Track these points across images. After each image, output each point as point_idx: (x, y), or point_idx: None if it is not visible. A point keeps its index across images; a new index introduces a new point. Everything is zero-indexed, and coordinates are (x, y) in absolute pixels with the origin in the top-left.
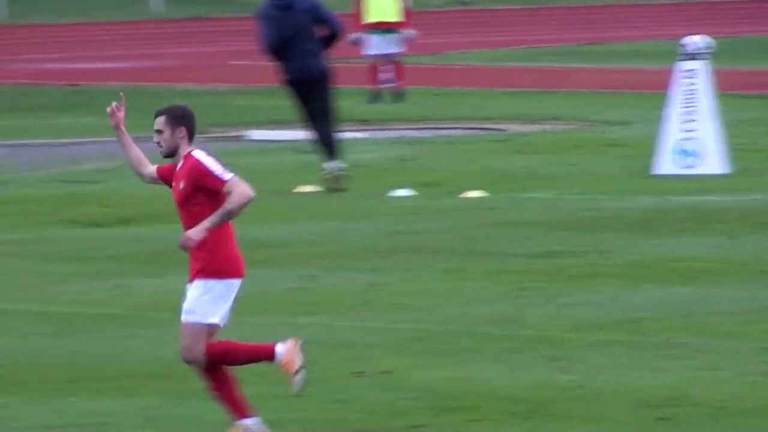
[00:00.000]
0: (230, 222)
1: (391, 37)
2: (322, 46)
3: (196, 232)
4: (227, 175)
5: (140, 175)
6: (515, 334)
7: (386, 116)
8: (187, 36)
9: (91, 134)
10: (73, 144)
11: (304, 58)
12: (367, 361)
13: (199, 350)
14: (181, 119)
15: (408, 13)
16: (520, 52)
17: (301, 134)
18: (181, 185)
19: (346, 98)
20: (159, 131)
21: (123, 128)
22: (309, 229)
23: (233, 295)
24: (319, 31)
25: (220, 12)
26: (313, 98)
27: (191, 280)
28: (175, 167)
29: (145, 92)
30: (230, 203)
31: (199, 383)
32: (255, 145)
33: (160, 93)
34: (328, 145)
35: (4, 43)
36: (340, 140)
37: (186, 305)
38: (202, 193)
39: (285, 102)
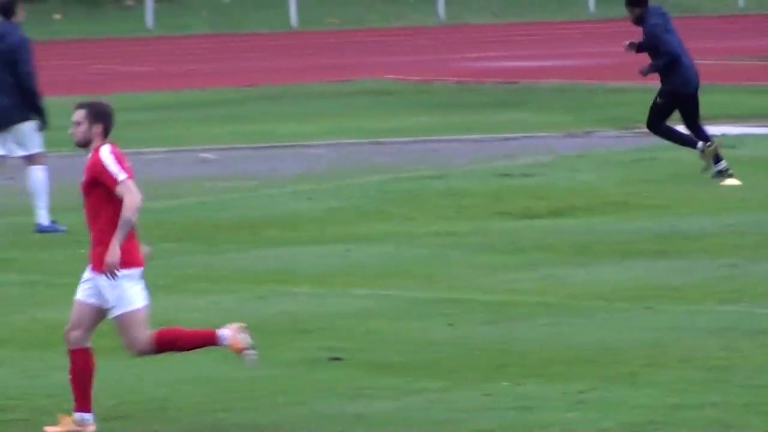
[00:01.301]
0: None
1: None
2: None
3: (113, 255)
4: (121, 176)
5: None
6: None
7: None
8: (617, 35)
9: (527, 130)
10: (509, 139)
11: (693, 65)
12: None
13: (143, 337)
14: (101, 116)
15: None
16: None
17: (719, 129)
18: (84, 177)
19: None
20: (77, 123)
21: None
22: (732, 220)
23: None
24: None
25: None
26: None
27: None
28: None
29: (578, 89)
30: (126, 213)
31: (625, 368)
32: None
33: (592, 90)
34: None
35: (443, 43)
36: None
37: (110, 302)
38: (101, 188)
39: (705, 99)
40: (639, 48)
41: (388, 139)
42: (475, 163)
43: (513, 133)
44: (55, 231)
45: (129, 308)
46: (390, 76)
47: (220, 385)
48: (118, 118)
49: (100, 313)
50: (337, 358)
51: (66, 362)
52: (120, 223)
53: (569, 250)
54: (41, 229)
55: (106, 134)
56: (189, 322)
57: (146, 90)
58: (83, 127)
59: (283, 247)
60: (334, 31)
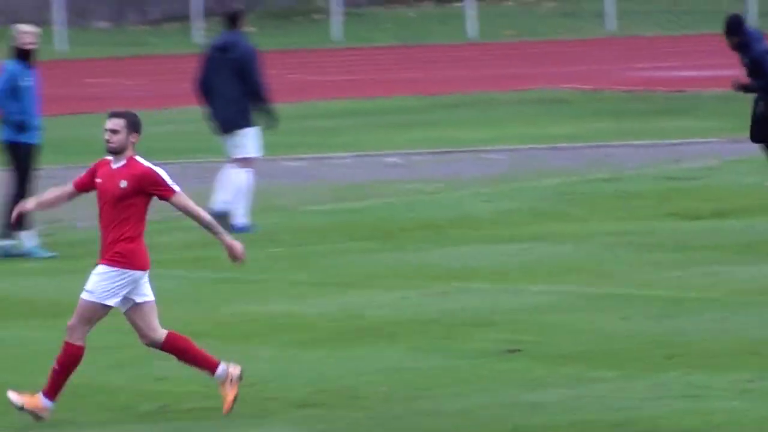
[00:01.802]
0: (144, 220)
1: None
2: None
3: (237, 246)
4: (176, 187)
5: (65, 200)
6: None
7: None
8: None
9: (693, 136)
10: (677, 144)
11: None
12: None
13: (83, 331)
14: (138, 126)
15: None
16: None
17: None
18: (123, 184)
19: None
20: (115, 131)
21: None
22: None
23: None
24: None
25: None
26: None
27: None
28: (110, 164)
29: (741, 98)
30: (206, 216)
31: None
32: None
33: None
34: None
35: (614, 54)
36: None
37: (89, 284)
38: (142, 197)
39: None
40: (748, 79)
41: (563, 145)
42: (644, 167)
43: (680, 139)
44: (248, 230)
45: (97, 300)
46: (564, 85)
47: (406, 375)
48: (311, 125)
49: (140, 307)
50: (516, 350)
51: (266, 352)
52: (211, 223)
53: (734, 248)
54: (237, 229)
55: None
56: (376, 318)
57: (335, 98)
58: (121, 136)
59: (465, 246)
60: (511, 43)
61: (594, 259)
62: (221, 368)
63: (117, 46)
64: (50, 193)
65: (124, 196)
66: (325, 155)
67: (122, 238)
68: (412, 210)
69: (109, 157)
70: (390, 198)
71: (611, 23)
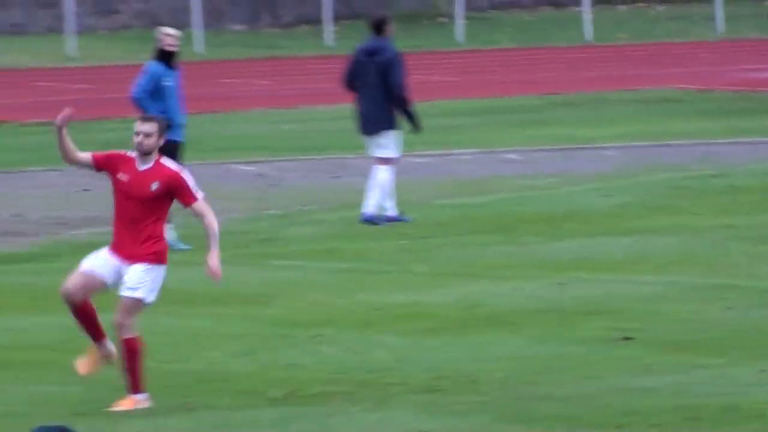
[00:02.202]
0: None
1: None
2: None
3: (219, 264)
4: (200, 194)
5: (71, 159)
6: None
7: None
8: None
9: None
10: None
11: None
12: None
13: (132, 325)
14: (165, 131)
15: None
16: None
17: None
18: (155, 186)
19: None
20: (149, 134)
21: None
22: None
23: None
24: None
25: None
26: None
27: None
28: (134, 163)
29: None
30: (214, 227)
31: None
32: None
33: None
34: None
35: (722, 55)
36: None
37: (132, 283)
38: (168, 198)
39: None
40: None
41: (674, 142)
42: (751, 163)
43: None
44: (375, 221)
45: (142, 296)
46: (674, 86)
47: (523, 362)
48: (434, 123)
49: (103, 289)
50: (628, 338)
51: (387, 340)
52: (213, 236)
53: None
54: (366, 219)
55: None
56: (494, 307)
57: (458, 98)
58: (154, 139)
59: (579, 239)
60: (624, 45)
61: (702, 251)
62: (107, 343)
63: (251, 48)
64: (73, 145)
65: (156, 198)
66: (449, 152)
67: (158, 237)
68: (529, 204)
69: (131, 155)
70: (509, 192)
71: (720, 26)
